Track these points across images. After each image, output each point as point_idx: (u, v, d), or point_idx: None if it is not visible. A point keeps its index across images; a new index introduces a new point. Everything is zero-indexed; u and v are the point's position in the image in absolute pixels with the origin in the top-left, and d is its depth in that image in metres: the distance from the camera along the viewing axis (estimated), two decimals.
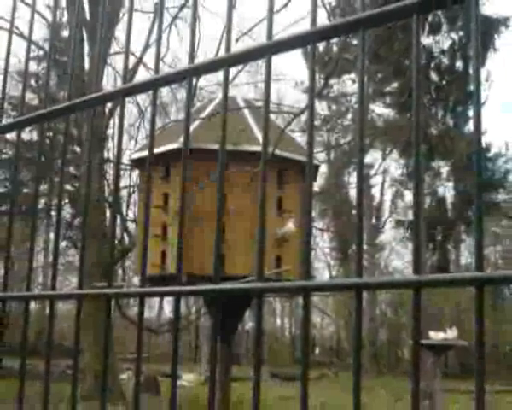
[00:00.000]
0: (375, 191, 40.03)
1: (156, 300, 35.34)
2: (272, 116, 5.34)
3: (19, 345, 1.36)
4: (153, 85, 1.16)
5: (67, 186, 30.11)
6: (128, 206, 17.52)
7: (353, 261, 0.88)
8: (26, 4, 9.42)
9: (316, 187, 25.26)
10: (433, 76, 28.22)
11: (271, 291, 0.99)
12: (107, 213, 16.61)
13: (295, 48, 0.99)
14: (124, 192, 17.60)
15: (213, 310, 1.10)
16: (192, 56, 1.10)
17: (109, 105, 15.30)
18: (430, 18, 26.50)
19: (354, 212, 0.92)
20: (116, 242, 14.59)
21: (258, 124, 4.21)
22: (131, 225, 15.37)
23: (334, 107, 34.91)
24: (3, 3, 1.59)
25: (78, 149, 20.83)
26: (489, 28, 26.21)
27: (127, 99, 1.24)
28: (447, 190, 33.41)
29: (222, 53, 1.06)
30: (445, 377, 13.46)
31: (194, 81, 1.26)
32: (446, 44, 28.23)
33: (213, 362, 1.06)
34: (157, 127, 5.31)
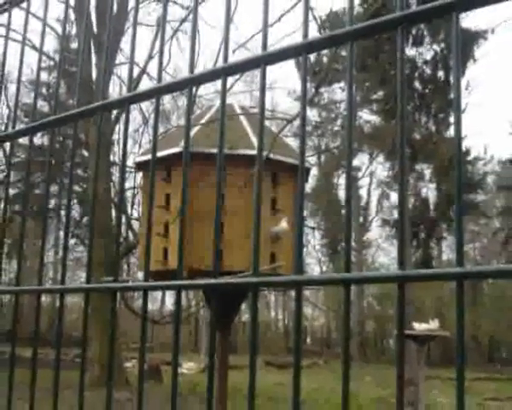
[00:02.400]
0: (363, 192, 40.12)
1: (159, 293, 35.35)
2: (267, 122, 5.33)
3: (31, 335, 1.36)
4: (156, 94, 1.16)
5: (76, 187, 30.08)
6: (132, 206, 17.53)
7: (342, 257, 0.88)
8: (38, 18, 9.39)
9: (307, 188, 25.28)
10: (417, 85, 28.27)
11: (266, 285, 0.98)
12: (113, 213, 16.60)
13: (288, 58, 0.98)
14: (129, 193, 17.59)
15: (212, 303, 1.10)
16: (192, 67, 1.10)
17: (115, 112, 15.28)
18: (414, 31, 26.54)
19: (343, 211, 0.91)
20: (121, 239, 14.58)
21: (254, 129, 4.20)
22: (136, 224, 15.36)
23: (324, 113, 34.95)
24: (16, 17, 1.59)
25: (85, 153, 20.83)
26: (469, 40, 26.25)
27: (132, 106, 1.24)
28: (430, 191, 33.46)
29: (220, 63, 1.06)
30: (427, 365, 13.47)
31: (194, 90, 1.25)
32: (429, 55, 28.30)
33: (212, 351, 1.06)
34: (159, 133, 5.30)
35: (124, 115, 1.25)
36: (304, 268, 0.94)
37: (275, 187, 4.14)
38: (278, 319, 45.56)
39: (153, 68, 17.37)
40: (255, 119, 4.37)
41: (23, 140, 1.61)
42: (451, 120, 26.74)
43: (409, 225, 26.41)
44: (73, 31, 19.51)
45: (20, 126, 1.48)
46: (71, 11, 16.35)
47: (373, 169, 37.91)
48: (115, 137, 18.62)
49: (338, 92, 32.09)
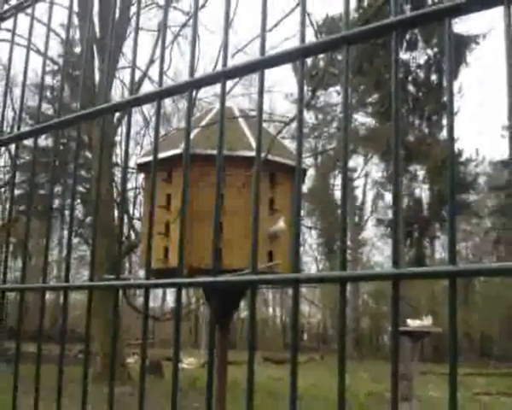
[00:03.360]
0: (358, 192, 40.14)
1: (160, 291, 35.34)
2: (265, 124, 5.33)
3: (35, 333, 1.36)
4: (157, 97, 1.15)
5: (79, 188, 30.07)
6: (134, 206, 17.51)
7: (338, 256, 0.88)
8: (43, 23, 9.39)
9: (304, 189, 25.29)
10: (411, 88, 28.30)
11: (264, 283, 0.98)
12: (116, 213, 16.60)
13: (286, 63, 0.98)
14: (130, 193, 17.58)
15: (212, 301, 1.10)
16: (192, 70, 1.10)
17: (117, 114, 15.27)
18: (408, 35, 26.55)
19: (339, 211, 0.91)
20: (123, 238, 14.58)
21: (252, 131, 4.20)
22: (137, 223, 15.37)
23: (320, 116, 34.98)
24: (22, 23, 1.59)
25: (89, 155, 20.81)
26: (461, 45, 26.28)
27: (134, 109, 1.24)
28: (423, 192, 33.52)
29: (219, 67, 1.06)
30: (420, 361, 13.47)
31: (194, 93, 1.25)
32: (422, 60, 28.34)
33: (211, 347, 1.06)
34: (160, 135, 5.29)
35: (126, 118, 1.25)
36: (301, 266, 0.94)
37: (273, 187, 4.13)
38: (276, 316, 45.58)
39: (154, 72, 17.39)
40: (254, 121, 4.36)
41: (28, 142, 1.60)
42: (444, 122, 26.78)
43: (403, 225, 26.44)
44: (77, 36, 19.49)
45: (24, 128, 1.48)
46: (74, 17, 16.33)
47: (368, 170, 37.95)
48: (117, 138, 18.64)
49: (334, 95, 32.14)
